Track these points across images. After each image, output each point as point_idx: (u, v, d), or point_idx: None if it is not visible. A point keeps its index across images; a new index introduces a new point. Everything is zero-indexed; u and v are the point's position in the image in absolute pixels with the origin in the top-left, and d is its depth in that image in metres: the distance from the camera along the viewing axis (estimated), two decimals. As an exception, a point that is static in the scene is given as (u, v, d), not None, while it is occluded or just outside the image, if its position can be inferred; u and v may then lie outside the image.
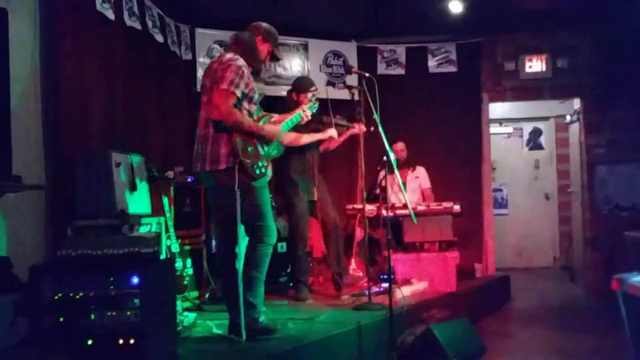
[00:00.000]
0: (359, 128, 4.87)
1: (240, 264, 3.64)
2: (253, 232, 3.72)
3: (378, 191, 6.28)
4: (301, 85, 5.22)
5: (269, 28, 3.95)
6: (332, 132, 5.13)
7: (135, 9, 5.19)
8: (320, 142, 5.37)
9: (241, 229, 3.70)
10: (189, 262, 5.01)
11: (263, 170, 3.70)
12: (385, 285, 4.86)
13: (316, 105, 4.55)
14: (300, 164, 5.20)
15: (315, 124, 5.12)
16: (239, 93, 3.59)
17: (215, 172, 3.63)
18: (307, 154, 5.22)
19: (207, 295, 5.10)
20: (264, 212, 3.73)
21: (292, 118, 4.19)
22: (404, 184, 6.46)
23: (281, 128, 3.94)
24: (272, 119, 3.96)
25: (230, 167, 3.58)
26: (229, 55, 3.72)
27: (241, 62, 3.68)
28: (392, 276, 4.66)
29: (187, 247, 5.23)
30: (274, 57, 4.05)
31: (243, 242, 4.12)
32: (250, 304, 3.64)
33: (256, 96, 3.80)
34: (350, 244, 6.05)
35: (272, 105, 4.84)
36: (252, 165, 3.63)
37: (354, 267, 6.04)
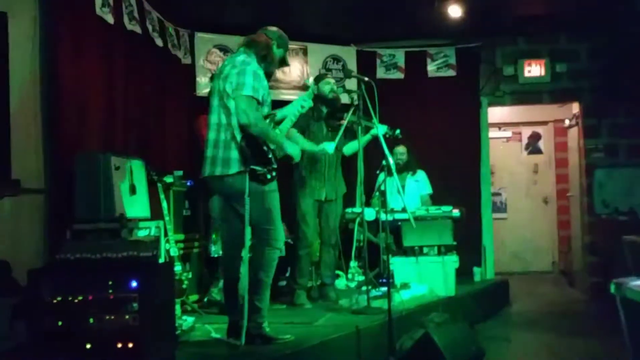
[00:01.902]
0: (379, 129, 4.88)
1: (245, 268, 3.64)
2: (261, 235, 3.72)
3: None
4: (316, 77, 5.30)
5: (282, 34, 3.97)
6: (324, 146, 5.05)
7: (135, 13, 5.20)
8: (342, 142, 5.34)
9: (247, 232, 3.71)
10: (188, 265, 5.01)
11: (274, 174, 3.72)
12: (384, 289, 4.87)
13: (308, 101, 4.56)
14: (313, 161, 5.19)
15: (334, 121, 5.17)
16: (259, 97, 3.64)
17: (225, 176, 3.64)
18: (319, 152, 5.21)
19: (205, 299, 5.10)
20: (273, 216, 3.73)
21: (293, 111, 4.19)
22: (403, 187, 6.46)
23: (297, 148, 3.95)
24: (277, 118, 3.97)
25: (242, 172, 3.60)
26: (241, 58, 3.73)
27: (255, 65, 3.71)
28: (391, 280, 4.66)
29: (193, 251, 5.24)
30: (284, 63, 4.09)
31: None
32: (256, 307, 3.64)
33: (269, 98, 3.83)
34: (349, 248, 6.03)
35: (272, 108, 4.84)
36: (263, 170, 3.64)
37: (353, 271, 6.03)
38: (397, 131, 5.30)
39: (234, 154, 3.62)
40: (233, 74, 3.65)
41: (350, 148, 5.40)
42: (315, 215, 5.24)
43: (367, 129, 5.15)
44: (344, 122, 5.08)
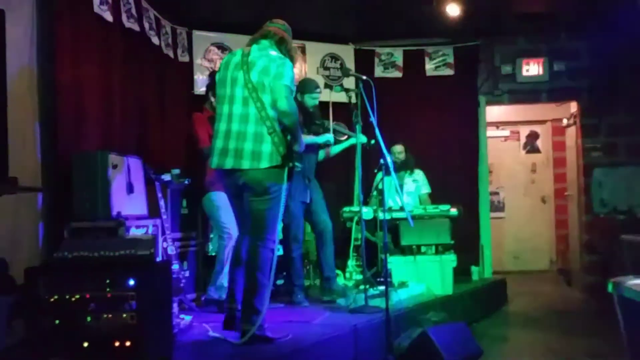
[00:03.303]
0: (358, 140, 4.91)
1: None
2: (258, 230, 3.70)
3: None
4: (305, 86, 5.23)
5: (290, 30, 4.00)
6: (328, 135, 5.14)
7: (134, 11, 5.19)
8: (319, 147, 5.36)
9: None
10: (185, 264, 5.00)
11: (299, 169, 3.80)
12: (382, 288, 4.86)
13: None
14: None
15: (316, 127, 5.16)
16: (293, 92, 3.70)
17: (253, 170, 3.60)
18: (303, 157, 5.19)
19: (203, 298, 5.09)
20: (276, 216, 3.72)
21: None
22: (401, 186, 6.46)
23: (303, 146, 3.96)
24: None
25: (277, 167, 3.61)
26: (275, 53, 3.75)
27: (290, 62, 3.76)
28: (388, 279, 4.66)
29: (190, 249, 5.23)
30: None
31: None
32: (256, 309, 3.61)
33: None
34: (347, 247, 6.03)
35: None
36: (299, 167, 3.71)
37: (350, 270, 6.03)
38: (372, 141, 5.30)
39: (267, 147, 3.59)
40: (272, 66, 3.64)
41: (323, 153, 5.43)
42: (303, 217, 5.24)
43: (347, 137, 5.24)
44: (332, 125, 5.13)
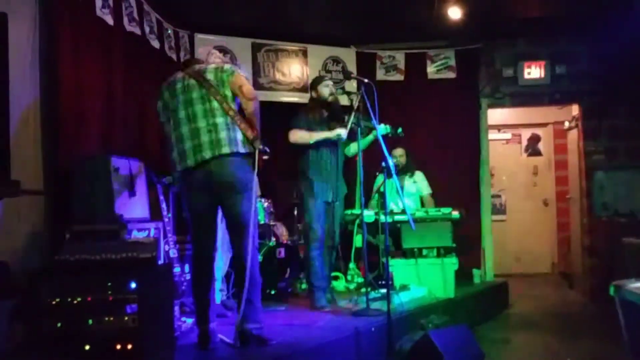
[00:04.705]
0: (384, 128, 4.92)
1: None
2: (245, 228, 3.70)
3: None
4: (315, 80, 5.34)
5: None
6: (340, 131, 5.00)
7: (135, 14, 5.20)
8: (344, 144, 5.32)
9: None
10: (187, 267, 5.00)
11: (269, 154, 3.83)
12: (384, 291, 4.86)
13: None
14: (317, 164, 5.12)
15: (335, 122, 5.14)
16: None
17: (235, 154, 3.65)
18: (324, 155, 5.12)
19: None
20: (256, 209, 3.74)
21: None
22: (402, 189, 6.46)
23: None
24: None
25: (250, 153, 3.69)
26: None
27: None
28: (390, 282, 4.66)
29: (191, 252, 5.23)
30: None
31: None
32: (257, 308, 3.65)
33: None
34: (348, 250, 6.03)
35: (271, 110, 4.84)
36: (265, 152, 3.75)
37: (352, 273, 6.03)
38: (399, 129, 5.27)
39: (239, 134, 3.69)
40: (226, 65, 3.85)
41: (353, 149, 5.40)
42: (325, 216, 5.18)
43: (369, 130, 5.12)
44: (351, 118, 5.04)
